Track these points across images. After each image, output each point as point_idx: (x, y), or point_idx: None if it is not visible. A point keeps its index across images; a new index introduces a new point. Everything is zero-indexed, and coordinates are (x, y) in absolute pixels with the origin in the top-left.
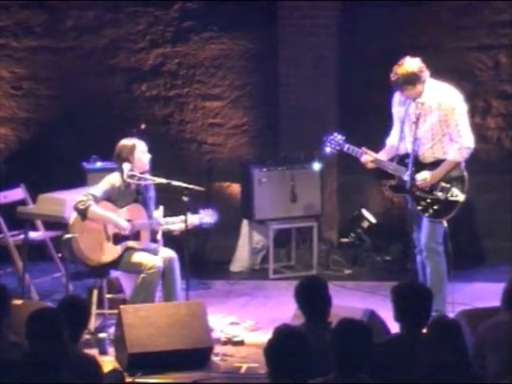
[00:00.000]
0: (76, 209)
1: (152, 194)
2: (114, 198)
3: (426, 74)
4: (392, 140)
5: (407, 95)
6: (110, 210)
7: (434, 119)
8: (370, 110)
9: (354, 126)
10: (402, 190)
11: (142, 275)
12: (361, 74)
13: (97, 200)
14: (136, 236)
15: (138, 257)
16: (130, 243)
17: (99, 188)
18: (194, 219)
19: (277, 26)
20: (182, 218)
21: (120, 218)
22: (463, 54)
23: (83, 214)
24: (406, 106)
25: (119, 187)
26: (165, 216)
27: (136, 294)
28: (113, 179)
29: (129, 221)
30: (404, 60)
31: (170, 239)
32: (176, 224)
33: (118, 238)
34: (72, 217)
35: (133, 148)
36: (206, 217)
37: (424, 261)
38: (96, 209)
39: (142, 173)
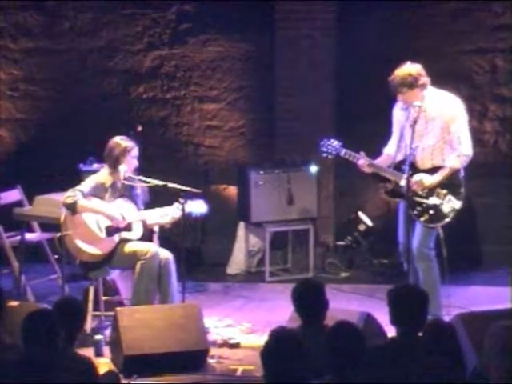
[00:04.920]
0: (65, 204)
1: (138, 191)
2: (100, 195)
3: (425, 79)
4: (389, 149)
5: (404, 100)
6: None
7: (436, 128)
8: (367, 113)
9: (351, 129)
10: (398, 194)
11: (140, 262)
12: (357, 77)
13: (84, 195)
14: (127, 228)
15: (131, 246)
16: (124, 234)
17: (86, 184)
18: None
19: (274, 29)
20: (172, 208)
21: (111, 210)
22: (460, 57)
23: (72, 208)
24: (407, 114)
25: (104, 184)
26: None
27: (138, 283)
28: (99, 177)
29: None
30: (405, 64)
31: (166, 240)
32: (168, 216)
33: (110, 231)
34: (62, 214)
35: (126, 150)
36: (195, 206)
37: (416, 265)
38: (85, 202)
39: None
